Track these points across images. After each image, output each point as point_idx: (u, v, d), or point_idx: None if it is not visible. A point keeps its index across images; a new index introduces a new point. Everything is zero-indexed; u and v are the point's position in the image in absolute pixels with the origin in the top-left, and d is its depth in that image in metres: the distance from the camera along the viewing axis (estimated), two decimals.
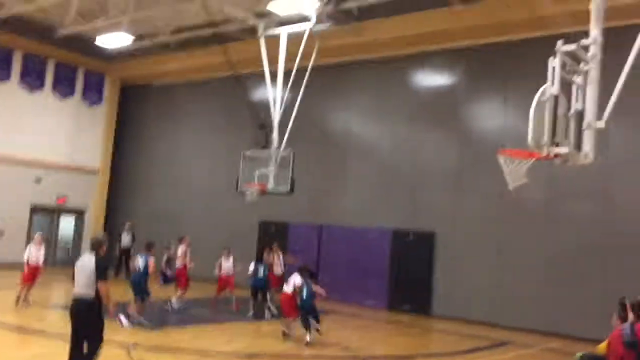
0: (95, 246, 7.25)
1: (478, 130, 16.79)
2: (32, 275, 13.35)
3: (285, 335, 11.39)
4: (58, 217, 23.52)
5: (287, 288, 11.57)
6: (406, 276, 17.08)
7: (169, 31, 20.33)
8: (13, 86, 21.89)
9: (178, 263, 15.08)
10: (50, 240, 23.25)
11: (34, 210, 22.44)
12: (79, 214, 23.92)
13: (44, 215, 23.07)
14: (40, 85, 22.71)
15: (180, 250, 15.20)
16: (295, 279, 11.50)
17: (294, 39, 16.92)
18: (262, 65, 16.88)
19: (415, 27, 16.73)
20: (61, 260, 23.39)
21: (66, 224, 23.79)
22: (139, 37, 20.83)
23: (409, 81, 18.29)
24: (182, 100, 23.82)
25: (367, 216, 18.30)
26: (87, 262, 6.98)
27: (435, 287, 16.73)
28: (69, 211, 23.65)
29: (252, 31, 18.10)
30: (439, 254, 16.84)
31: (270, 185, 15.70)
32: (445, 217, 16.87)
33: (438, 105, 17.56)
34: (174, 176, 23.41)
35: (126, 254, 20.48)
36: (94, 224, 23.78)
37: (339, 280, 18.20)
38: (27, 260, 13.42)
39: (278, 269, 15.77)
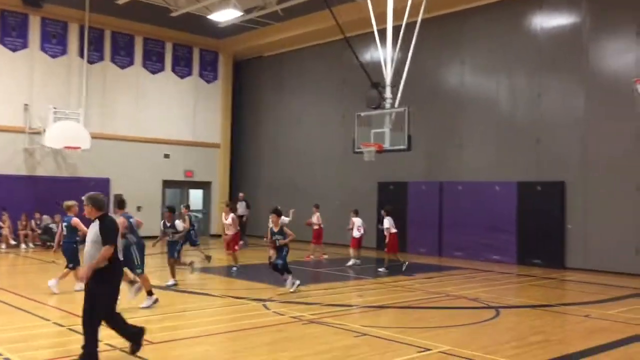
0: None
1: (608, 70, 15.56)
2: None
3: None
4: (187, 190, 24.94)
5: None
6: (536, 229, 16.38)
7: (276, 1, 20.56)
8: (138, 70, 23.26)
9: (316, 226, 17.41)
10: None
11: (166, 184, 23.94)
12: (206, 186, 25.22)
13: (175, 189, 24.57)
14: (161, 67, 23.94)
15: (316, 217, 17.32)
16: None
17: None
18: (370, 25, 16.65)
19: None
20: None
21: (195, 197, 25.17)
22: (247, 11, 21.32)
23: (526, 26, 17.26)
24: (293, 69, 24.16)
25: (489, 171, 17.70)
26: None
27: (568, 238, 15.93)
28: (196, 184, 25.00)
29: None
30: (571, 204, 15.96)
31: (387, 143, 15.59)
32: (574, 165, 15.93)
33: (560, 49, 16.45)
34: (291, 144, 23.93)
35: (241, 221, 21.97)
36: (219, 195, 24.97)
37: (464, 237, 17.89)
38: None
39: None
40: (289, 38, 22.77)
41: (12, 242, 18.71)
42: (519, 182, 16.90)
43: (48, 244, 18.91)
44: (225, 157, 25.58)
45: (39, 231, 19.28)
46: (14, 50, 20.39)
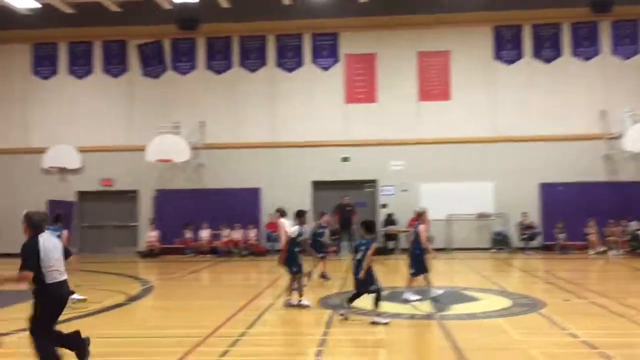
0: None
1: None
2: None
3: None
4: None
5: None
6: None
7: None
8: None
9: None
10: None
11: None
12: None
13: None
14: None
15: None
16: None
17: None
18: None
19: None
20: None
21: None
22: None
23: None
24: None
25: None
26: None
27: None
28: None
29: None
30: None
31: None
32: None
33: None
34: None
35: None
36: None
37: None
38: None
39: None
40: None
41: (601, 248, 18.80)
42: None
43: (638, 250, 18.30)
44: None
45: (627, 237, 18.82)
46: (587, 59, 20.67)
